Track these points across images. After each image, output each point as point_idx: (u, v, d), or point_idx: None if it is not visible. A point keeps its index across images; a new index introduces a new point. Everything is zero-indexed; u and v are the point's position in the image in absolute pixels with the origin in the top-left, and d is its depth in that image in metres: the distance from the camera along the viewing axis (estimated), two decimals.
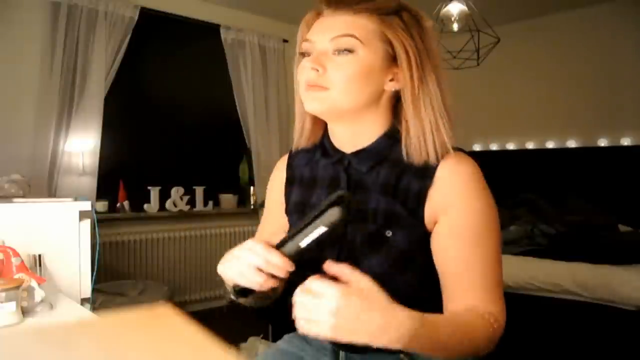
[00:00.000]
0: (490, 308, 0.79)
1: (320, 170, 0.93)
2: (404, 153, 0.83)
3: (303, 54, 0.86)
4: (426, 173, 0.82)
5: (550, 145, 3.76)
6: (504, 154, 3.97)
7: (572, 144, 3.65)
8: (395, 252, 0.82)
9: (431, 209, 0.82)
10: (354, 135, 0.87)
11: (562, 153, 3.65)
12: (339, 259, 0.85)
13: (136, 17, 3.17)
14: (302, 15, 0.88)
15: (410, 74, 0.81)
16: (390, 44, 0.82)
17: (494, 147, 4.08)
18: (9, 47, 2.82)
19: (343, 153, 0.89)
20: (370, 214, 0.85)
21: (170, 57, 3.63)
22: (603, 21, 3.48)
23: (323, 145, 0.92)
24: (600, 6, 3.47)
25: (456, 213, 0.81)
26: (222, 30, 3.62)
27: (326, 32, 0.83)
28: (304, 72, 0.83)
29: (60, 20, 2.89)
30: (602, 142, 3.50)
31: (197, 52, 3.73)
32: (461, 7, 2.80)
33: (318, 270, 0.87)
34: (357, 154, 0.87)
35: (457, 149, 0.85)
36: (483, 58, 2.93)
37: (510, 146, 3.97)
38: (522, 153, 3.87)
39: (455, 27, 2.81)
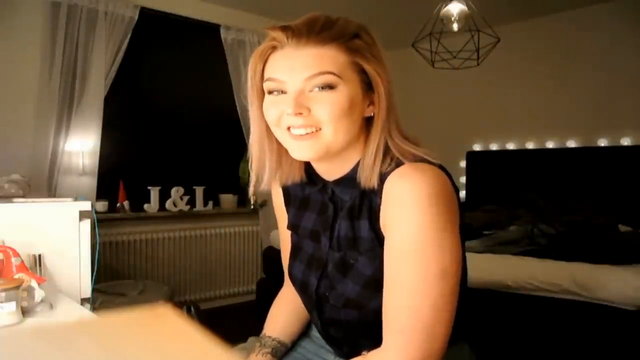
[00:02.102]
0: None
1: (310, 194, 0.94)
2: (361, 173, 0.81)
3: (270, 92, 0.80)
4: (379, 190, 0.79)
5: (550, 145, 3.76)
6: (504, 154, 3.97)
7: (572, 144, 3.65)
8: (362, 277, 0.82)
9: (383, 226, 0.80)
10: (335, 165, 0.85)
11: (562, 153, 3.65)
12: (319, 282, 0.88)
13: (136, 17, 3.17)
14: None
15: (386, 98, 0.79)
16: (363, 71, 0.78)
17: (494, 147, 4.08)
18: (9, 47, 2.82)
19: (326, 181, 0.89)
20: (336, 241, 0.86)
21: (170, 57, 3.63)
22: (603, 21, 3.48)
23: (306, 172, 0.91)
24: (600, 6, 3.47)
25: (390, 233, 0.77)
26: (222, 30, 3.62)
27: (297, 71, 0.76)
28: (283, 118, 0.78)
29: (60, 20, 2.88)
30: (602, 142, 3.50)
31: (197, 52, 3.73)
32: (461, 7, 2.80)
33: (306, 292, 0.90)
34: (338, 182, 0.86)
35: (420, 160, 0.78)
36: (483, 58, 2.93)
37: (510, 146, 3.97)
38: (522, 153, 3.87)
39: (455, 27, 2.81)
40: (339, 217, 0.86)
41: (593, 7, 3.51)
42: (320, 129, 0.77)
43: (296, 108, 0.76)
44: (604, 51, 3.48)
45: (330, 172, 0.87)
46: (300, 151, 0.79)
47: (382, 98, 0.79)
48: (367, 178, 0.80)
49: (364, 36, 0.79)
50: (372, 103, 0.81)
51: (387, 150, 0.80)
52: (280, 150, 0.85)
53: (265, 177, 0.88)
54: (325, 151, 0.79)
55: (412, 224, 0.73)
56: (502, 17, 3.53)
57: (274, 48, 0.79)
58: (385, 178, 0.78)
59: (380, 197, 0.79)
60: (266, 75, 0.80)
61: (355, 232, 0.83)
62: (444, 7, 2.82)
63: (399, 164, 0.78)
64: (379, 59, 0.80)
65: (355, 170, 0.84)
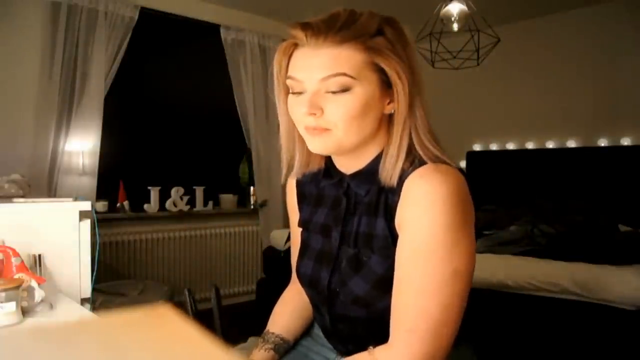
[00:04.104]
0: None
1: (325, 189, 0.95)
2: (382, 170, 0.82)
3: (291, 90, 0.82)
4: (398, 188, 0.80)
5: (550, 145, 3.76)
6: (504, 154, 3.97)
7: (572, 144, 3.65)
8: (373, 275, 0.82)
9: (398, 225, 0.80)
10: (353, 159, 0.86)
11: (562, 153, 3.65)
12: (331, 278, 0.88)
13: (136, 17, 3.17)
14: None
15: (404, 98, 0.79)
16: (383, 70, 0.78)
17: (494, 147, 4.08)
18: (9, 47, 2.81)
19: (343, 174, 0.89)
20: (352, 237, 0.86)
21: (170, 57, 3.63)
22: (603, 21, 3.48)
23: (325, 165, 0.93)
24: (600, 6, 3.47)
25: (404, 232, 0.78)
26: (222, 30, 3.62)
27: (313, 71, 0.77)
28: (301, 118, 0.81)
29: (60, 20, 2.89)
30: (602, 142, 3.51)
31: (197, 52, 3.73)
32: (461, 7, 2.80)
33: (316, 288, 0.90)
34: (355, 176, 0.87)
35: (441, 162, 0.79)
36: (483, 58, 2.93)
37: (510, 146, 3.97)
38: (522, 153, 3.87)
39: (455, 27, 2.81)
40: (357, 212, 0.87)
41: (593, 8, 3.51)
42: (330, 130, 0.79)
43: (310, 108, 0.78)
44: (604, 51, 3.48)
45: (348, 165, 0.88)
46: (314, 145, 0.82)
47: (401, 97, 0.79)
48: (388, 175, 0.80)
49: (388, 32, 0.79)
50: (392, 100, 0.81)
51: (410, 148, 0.80)
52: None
53: (296, 166, 0.92)
54: (337, 148, 0.81)
55: (428, 224, 0.74)
56: (502, 17, 3.53)
57: (295, 45, 0.81)
58: (406, 177, 0.78)
59: (399, 195, 0.79)
60: (288, 73, 0.82)
61: (371, 229, 0.84)
62: (444, 7, 2.82)
63: (421, 163, 0.79)
64: (401, 55, 0.79)
65: (372, 164, 0.84)
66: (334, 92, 0.77)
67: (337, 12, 0.79)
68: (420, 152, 0.80)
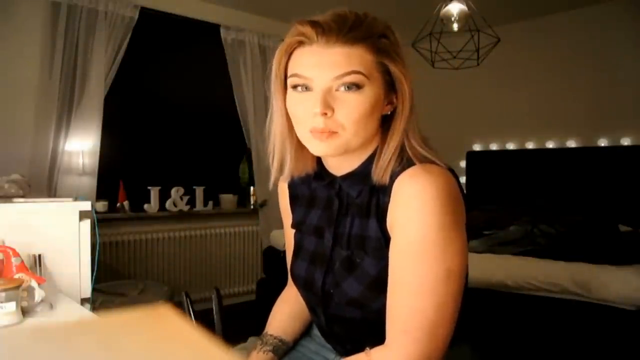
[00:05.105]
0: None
1: (316, 190, 0.94)
2: (374, 170, 0.82)
3: (294, 87, 0.80)
4: (388, 188, 0.80)
5: (550, 145, 3.76)
6: (504, 154, 3.97)
7: (572, 144, 3.65)
8: (367, 276, 0.82)
9: (389, 226, 0.80)
10: (346, 160, 0.86)
11: (562, 153, 3.65)
12: (325, 279, 0.88)
13: (136, 17, 3.16)
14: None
15: (408, 99, 0.80)
16: (388, 71, 0.79)
17: (494, 147, 4.08)
18: (9, 47, 2.81)
19: (334, 176, 0.89)
20: (345, 238, 0.86)
21: (170, 56, 3.63)
22: (603, 21, 3.47)
23: (317, 167, 0.92)
24: (599, 6, 3.47)
25: (397, 234, 0.78)
26: (222, 30, 3.62)
27: (326, 69, 0.76)
28: (307, 117, 0.78)
29: (60, 20, 2.88)
30: (602, 142, 3.50)
31: (197, 52, 3.73)
32: (461, 7, 2.80)
33: (311, 289, 0.89)
34: (346, 177, 0.87)
35: (429, 162, 0.79)
36: (483, 58, 2.93)
37: (510, 146, 3.97)
38: (522, 153, 3.87)
39: (455, 27, 2.81)
40: (350, 213, 0.87)
41: (593, 7, 3.51)
42: (337, 132, 0.78)
43: (323, 108, 0.76)
44: (604, 51, 3.48)
45: (340, 166, 0.87)
46: (319, 148, 0.80)
47: (406, 99, 0.80)
48: (380, 175, 0.80)
49: (390, 36, 0.80)
50: (390, 102, 0.82)
51: (401, 150, 0.81)
52: (300, 144, 0.86)
53: (287, 170, 0.90)
54: (343, 149, 0.80)
55: (419, 225, 0.74)
56: (502, 17, 3.53)
57: (300, 43, 0.79)
58: (396, 177, 0.79)
59: (389, 196, 0.79)
60: (291, 71, 0.80)
61: (363, 231, 0.84)
62: (444, 7, 2.82)
63: (410, 164, 0.79)
64: (403, 59, 0.80)
65: (364, 165, 0.84)
66: (347, 89, 0.76)
67: (344, 13, 0.79)
68: (410, 153, 0.80)
